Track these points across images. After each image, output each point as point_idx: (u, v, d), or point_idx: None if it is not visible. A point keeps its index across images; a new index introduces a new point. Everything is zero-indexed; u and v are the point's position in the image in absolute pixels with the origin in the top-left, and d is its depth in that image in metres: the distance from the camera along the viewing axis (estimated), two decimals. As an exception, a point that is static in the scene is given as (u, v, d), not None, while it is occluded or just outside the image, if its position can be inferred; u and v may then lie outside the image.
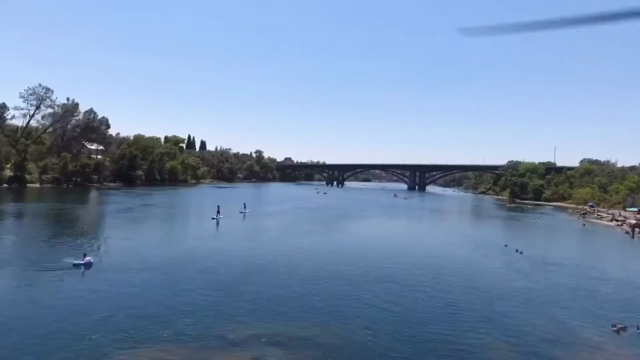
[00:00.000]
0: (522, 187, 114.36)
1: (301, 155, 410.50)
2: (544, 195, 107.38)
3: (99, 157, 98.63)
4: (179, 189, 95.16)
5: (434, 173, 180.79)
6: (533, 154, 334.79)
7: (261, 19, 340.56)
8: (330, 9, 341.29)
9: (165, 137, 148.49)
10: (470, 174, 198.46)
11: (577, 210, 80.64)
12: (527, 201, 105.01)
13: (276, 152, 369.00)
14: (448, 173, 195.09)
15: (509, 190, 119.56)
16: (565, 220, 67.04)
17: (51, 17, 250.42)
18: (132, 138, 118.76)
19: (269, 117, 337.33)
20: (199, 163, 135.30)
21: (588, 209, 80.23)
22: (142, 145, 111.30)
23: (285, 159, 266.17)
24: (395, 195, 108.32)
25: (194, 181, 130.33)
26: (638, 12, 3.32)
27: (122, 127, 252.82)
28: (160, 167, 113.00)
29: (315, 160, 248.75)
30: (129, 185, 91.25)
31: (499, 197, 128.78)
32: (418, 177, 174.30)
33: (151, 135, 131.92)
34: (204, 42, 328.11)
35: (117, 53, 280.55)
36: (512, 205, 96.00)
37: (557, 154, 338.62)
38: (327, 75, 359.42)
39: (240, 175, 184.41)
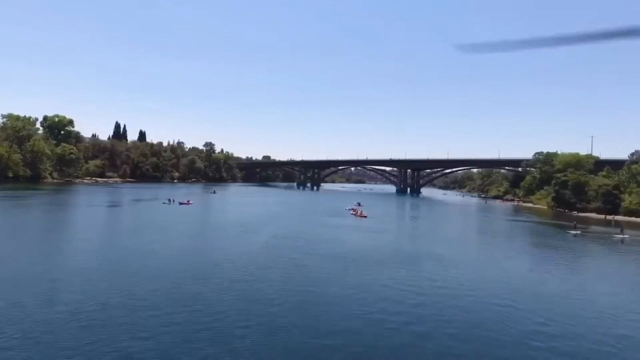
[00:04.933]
0: (576, 191, 66.90)
1: (291, 155, 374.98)
2: (623, 204, 59.50)
3: None
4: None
5: (431, 171, 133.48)
6: (555, 147, 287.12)
7: (253, 16, 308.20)
8: (321, 6, 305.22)
9: (45, 117, 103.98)
10: (474, 174, 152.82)
11: None
12: (603, 216, 57.53)
13: (260, 151, 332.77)
14: (448, 171, 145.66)
15: (551, 194, 72.48)
16: None
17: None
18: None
19: (256, 115, 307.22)
20: (72, 152, 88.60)
21: None
22: None
23: (264, 157, 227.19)
24: (358, 205, 61.84)
25: (58, 180, 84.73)
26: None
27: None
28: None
29: (298, 159, 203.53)
30: None
31: (528, 204, 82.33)
32: (410, 177, 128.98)
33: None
34: (193, 39, 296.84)
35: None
36: (577, 230, 38.86)
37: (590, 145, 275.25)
38: (321, 73, 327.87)
39: (175, 174, 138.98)
